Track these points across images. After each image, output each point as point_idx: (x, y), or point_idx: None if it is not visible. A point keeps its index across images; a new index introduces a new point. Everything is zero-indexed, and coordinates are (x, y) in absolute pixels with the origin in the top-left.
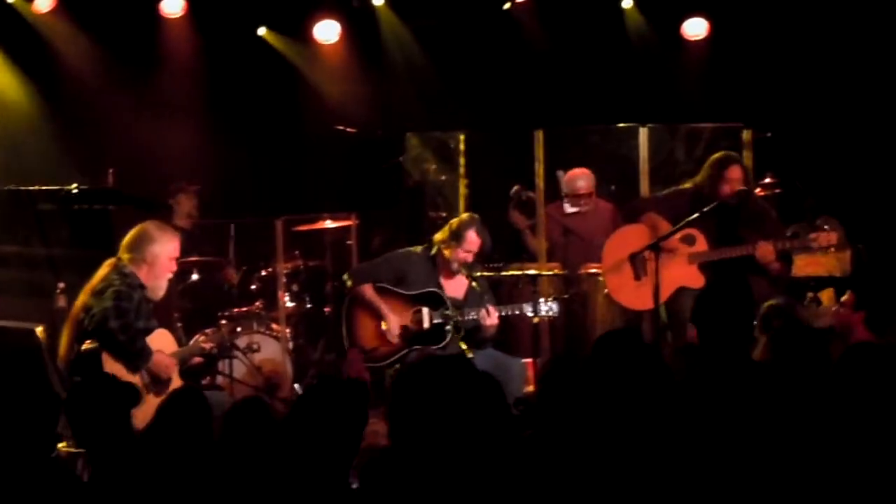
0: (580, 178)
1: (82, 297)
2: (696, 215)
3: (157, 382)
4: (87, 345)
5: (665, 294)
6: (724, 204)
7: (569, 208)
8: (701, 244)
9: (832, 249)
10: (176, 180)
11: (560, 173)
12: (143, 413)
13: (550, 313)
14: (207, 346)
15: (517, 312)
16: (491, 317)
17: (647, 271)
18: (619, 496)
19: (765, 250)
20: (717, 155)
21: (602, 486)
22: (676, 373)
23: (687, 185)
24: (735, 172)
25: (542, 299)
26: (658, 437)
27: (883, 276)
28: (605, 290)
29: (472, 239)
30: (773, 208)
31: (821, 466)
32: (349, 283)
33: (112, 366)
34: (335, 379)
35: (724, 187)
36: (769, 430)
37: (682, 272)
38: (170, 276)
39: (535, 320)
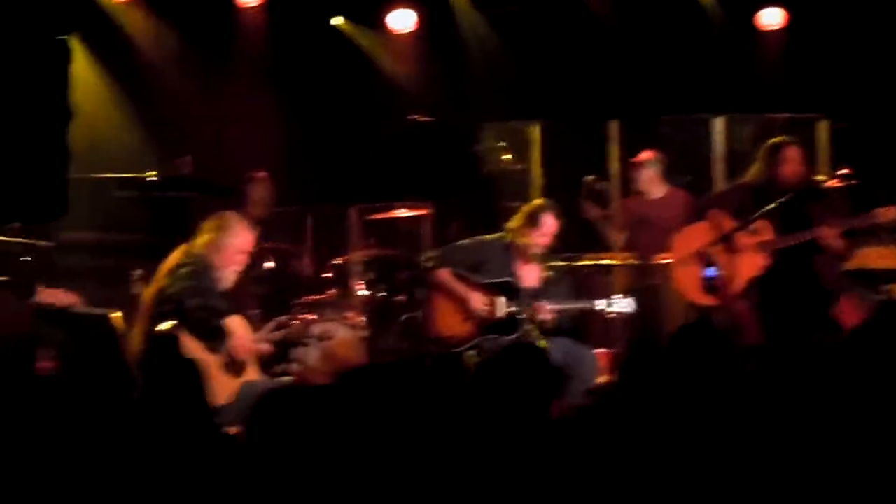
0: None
1: (155, 283)
2: (772, 206)
3: (234, 364)
4: (164, 326)
5: (739, 287)
6: (799, 192)
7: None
8: (767, 233)
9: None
10: (248, 169)
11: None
12: (219, 392)
13: (626, 309)
14: (265, 348)
15: (591, 306)
16: (543, 311)
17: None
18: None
19: (827, 232)
20: (770, 141)
21: (681, 477)
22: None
23: (746, 179)
24: (793, 152)
25: (617, 296)
26: (729, 430)
27: None
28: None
29: (550, 223)
30: (847, 199)
31: None
32: (430, 263)
33: (190, 345)
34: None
35: (785, 169)
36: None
37: (752, 263)
38: (237, 269)
39: (610, 315)
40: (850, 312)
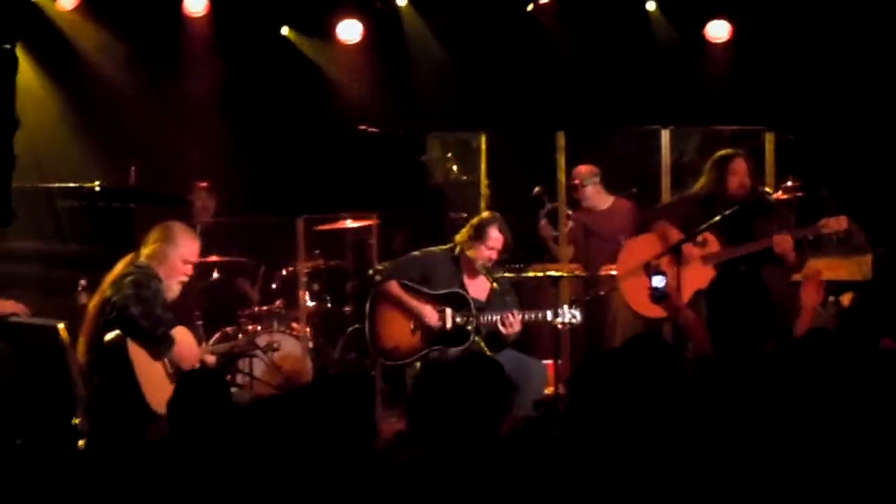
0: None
1: (100, 293)
2: (718, 218)
3: (179, 374)
4: (110, 336)
5: (684, 299)
6: (745, 204)
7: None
8: (713, 245)
9: (839, 236)
10: (193, 178)
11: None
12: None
13: (574, 321)
14: (210, 360)
15: (539, 317)
16: (513, 325)
17: None
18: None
19: (782, 241)
20: (717, 154)
21: (630, 484)
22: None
23: (693, 190)
24: (739, 165)
25: (565, 306)
26: (676, 439)
27: None
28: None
29: (495, 236)
30: (794, 211)
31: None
32: (378, 277)
33: (136, 354)
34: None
35: (731, 181)
36: (785, 425)
37: (697, 275)
38: (183, 279)
39: (559, 326)
40: (811, 293)
